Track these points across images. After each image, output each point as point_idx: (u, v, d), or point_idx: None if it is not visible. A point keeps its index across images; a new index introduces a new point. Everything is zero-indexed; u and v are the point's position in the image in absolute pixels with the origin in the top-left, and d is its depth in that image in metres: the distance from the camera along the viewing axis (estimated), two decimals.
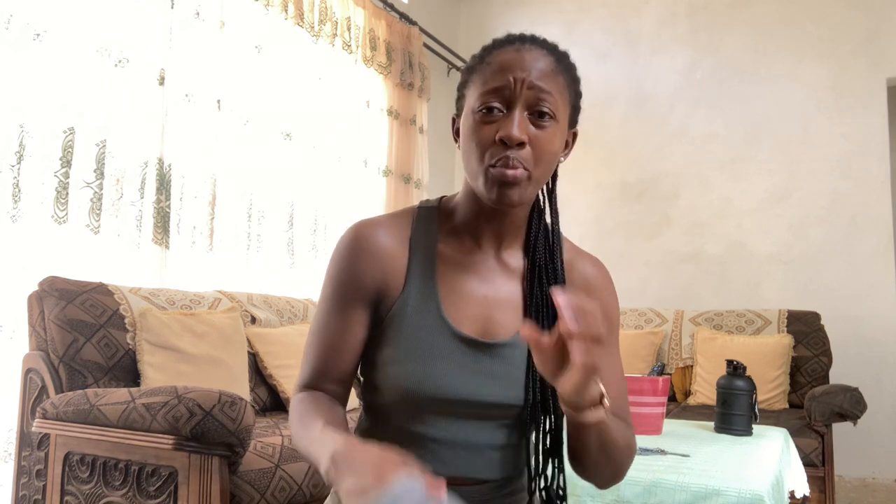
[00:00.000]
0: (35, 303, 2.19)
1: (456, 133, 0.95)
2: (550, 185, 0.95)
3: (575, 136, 0.95)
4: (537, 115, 0.85)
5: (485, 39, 0.94)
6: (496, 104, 0.85)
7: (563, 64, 0.89)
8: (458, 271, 0.93)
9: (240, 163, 3.05)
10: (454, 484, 0.87)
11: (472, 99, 0.88)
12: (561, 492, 0.95)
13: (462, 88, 0.93)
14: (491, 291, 0.94)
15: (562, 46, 0.91)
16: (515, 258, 0.96)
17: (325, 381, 0.94)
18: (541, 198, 0.97)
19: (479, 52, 0.92)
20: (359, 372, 0.98)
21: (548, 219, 0.98)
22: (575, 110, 0.92)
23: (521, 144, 0.84)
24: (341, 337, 0.92)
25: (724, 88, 4.28)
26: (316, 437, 0.79)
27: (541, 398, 0.91)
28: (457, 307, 0.91)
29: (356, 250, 0.92)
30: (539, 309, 0.94)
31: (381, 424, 0.95)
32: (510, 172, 0.84)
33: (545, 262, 0.95)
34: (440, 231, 0.95)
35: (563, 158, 0.93)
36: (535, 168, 0.85)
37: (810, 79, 4.07)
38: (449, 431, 0.91)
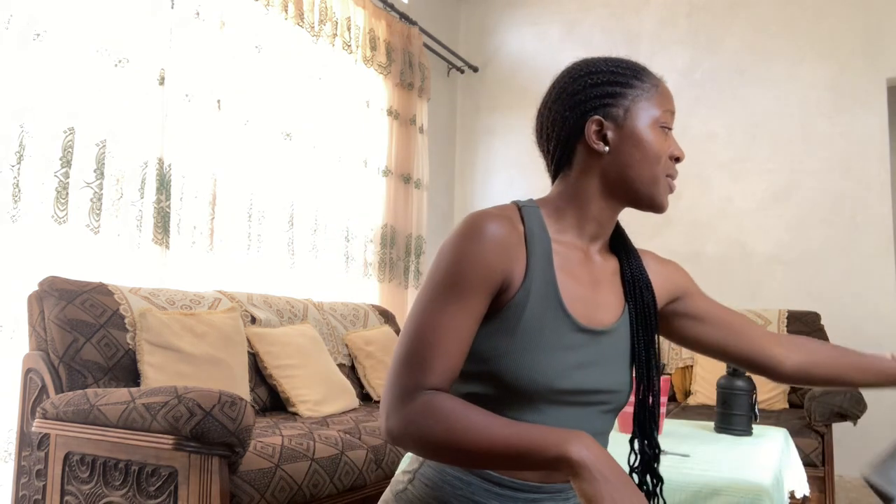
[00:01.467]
0: (35, 303, 2.19)
1: (602, 138, 0.99)
2: None
3: None
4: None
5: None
6: (670, 125, 0.99)
7: None
8: (569, 266, 0.98)
9: (240, 163, 3.05)
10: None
11: (650, 112, 0.98)
12: (656, 462, 1.04)
13: (618, 97, 0.98)
14: (595, 282, 1.01)
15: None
16: (603, 254, 1.05)
17: (442, 378, 0.88)
18: None
19: (629, 69, 1.01)
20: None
21: None
22: None
23: None
24: (468, 331, 0.89)
25: (724, 88, 4.27)
26: (535, 427, 0.82)
27: (646, 381, 1.02)
28: (573, 300, 0.96)
29: (483, 238, 0.91)
30: (635, 290, 1.05)
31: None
32: (674, 185, 1.00)
33: (628, 254, 1.07)
34: (547, 222, 1.00)
35: None
36: None
37: (810, 79, 4.07)
38: (555, 419, 0.93)
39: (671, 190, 0.99)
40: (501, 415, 0.90)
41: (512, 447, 0.80)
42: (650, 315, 1.04)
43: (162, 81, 2.67)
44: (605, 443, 1.02)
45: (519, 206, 0.99)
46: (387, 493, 1.01)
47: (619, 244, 1.07)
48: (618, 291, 1.04)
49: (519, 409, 0.92)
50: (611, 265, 1.05)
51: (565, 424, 0.93)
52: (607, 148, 0.98)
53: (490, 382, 0.92)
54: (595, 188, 1.00)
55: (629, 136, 0.97)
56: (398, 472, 1.05)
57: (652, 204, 1.00)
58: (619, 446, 1.16)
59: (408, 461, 1.03)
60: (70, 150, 2.34)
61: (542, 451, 0.79)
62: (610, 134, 0.98)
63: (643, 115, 0.97)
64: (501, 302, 0.92)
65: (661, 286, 1.10)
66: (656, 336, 1.06)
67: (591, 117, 0.98)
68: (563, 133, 1.00)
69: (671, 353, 3.78)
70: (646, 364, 1.02)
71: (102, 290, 2.31)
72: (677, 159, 0.99)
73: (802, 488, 2.13)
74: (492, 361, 0.91)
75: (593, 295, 1.00)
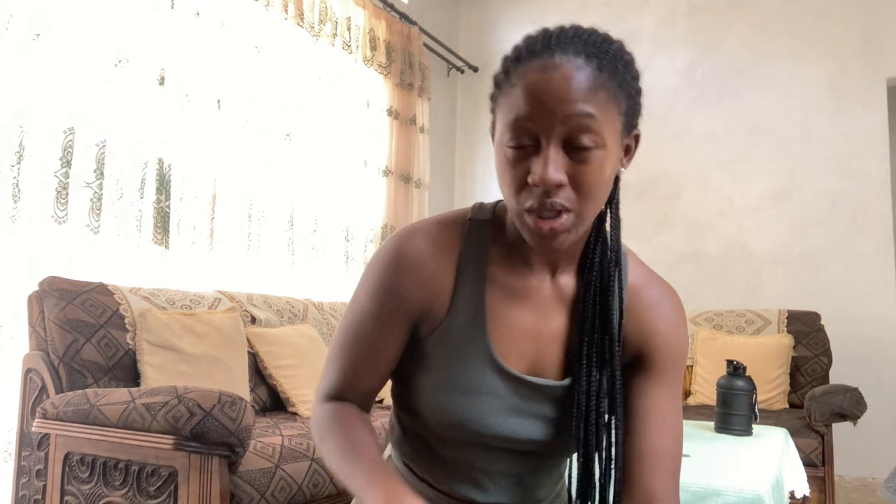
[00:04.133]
0: (35, 303, 2.19)
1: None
2: (612, 195, 0.82)
3: (637, 137, 0.81)
4: (577, 145, 0.72)
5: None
6: (525, 140, 0.73)
7: (605, 68, 0.73)
8: (509, 299, 0.83)
9: (240, 163, 3.05)
10: None
11: (500, 126, 0.76)
12: None
13: (492, 105, 0.80)
14: (542, 323, 0.84)
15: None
16: (569, 284, 0.85)
17: (351, 393, 0.88)
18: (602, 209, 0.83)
19: (506, 58, 0.78)
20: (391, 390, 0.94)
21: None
22: (631, 113, 0.77)
23: (559, 186, 0.72)
24: (376, 350, 0.84)
25: (724, 88, 4.27)
26: (359, 473, 0.76)
27: (594, 440, 0.82)
28: (505, 340, 0.83)
29: (400, 265, 0.82)
30: (590, 342, 0.82)
31: (416, 444, 0.91)
32: (546, 226, 0.73)
33: (601, 286, 0.82)
34: (492, 249, 0.85)
35: (623, 168, 0.80)
36: (582, 206, 0.74)
37: (810, 79, 4.07)
38: (489, 461, 0.87)
39: (540, 232, 0.73)
40: (439, 451, 0.88)
41: (347, 483, 0.79)
42: (609, 376, 0.82)
43: (162, 81, 2.67)
44: (554, 483, 0.95)
45: (468, 218, 0.87)
46: None
47: (600, 268, 0.84)
48: (576, 331, 0.85)
49: (456, 447, 0.87)
50: (577, 293, 0.85)
51: (501, 468, 0.88)
52: None
53: (425, 418, 0.85)
54: None
55: (494, 153, 0.79)
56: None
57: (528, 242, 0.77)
58: None
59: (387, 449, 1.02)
60: (70, 150, 2.34)
61: (360, 499, 0.74)
62: None
63: (499, 128, 0.77)
64: (424, 332, 0.84)
65: (636, 338, 0.86)
66: (615, 398, 0.83)
67: (491, 123, 0.83)
68: None
69: None
70: (595, 423, 0.82)
71: (102, 290, 2.31)
72: (541, 186, 0.71)
73: (802, 488, 2.13)
74: (422, 394, 0.84)
75: (538, 338, 0.84)
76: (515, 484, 0.90)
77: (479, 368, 0.82)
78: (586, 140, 0.71)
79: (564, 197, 0.73)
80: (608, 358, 0.82)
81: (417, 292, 0.83)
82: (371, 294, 0.84)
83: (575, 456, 0.84)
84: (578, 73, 0.71)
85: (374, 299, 0.84)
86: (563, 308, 0.85)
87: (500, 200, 0.89)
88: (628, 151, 0.81)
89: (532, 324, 0.84)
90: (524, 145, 0.73)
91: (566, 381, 0.85)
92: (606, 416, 0.83)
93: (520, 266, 0.84)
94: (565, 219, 0.73)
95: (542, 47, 0.74)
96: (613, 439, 0.83)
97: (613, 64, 0.73)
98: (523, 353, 0.84)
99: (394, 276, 0.83)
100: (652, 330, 0.86)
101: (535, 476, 0.91)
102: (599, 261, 0.83)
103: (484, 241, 0.85)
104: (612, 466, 0.83)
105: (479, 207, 0.89)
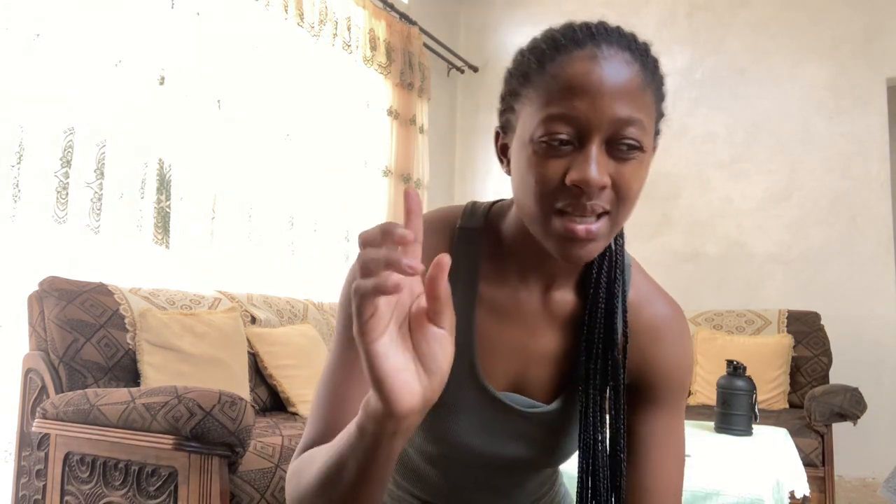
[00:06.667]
0: (35, 303, 2.19)
1: (502, 152, 0.75)
2: None
3: (656, 145, 0.76)
4: (620, 146, 0.66)
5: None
6: (564, 135, 0.65)
7: (649, 68, 0.68)
8: (498, 316, 0.77)
9: (240, 163, 3.05)
10: None
11: (528, 121, 0.67)
12: None
13: (510, 99, 0.72)
14: (531, 341, 0.78)
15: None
16: (566, 299, 0.79)
17: (333, 436, 0.72)
18: None
19: (534, 47, 0.70)
20: None
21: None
22: (659, 119, 0.72)
23: (602, 188, 0.66)
24: (353, 381, 0.72)
25: (724, 88, 4.27)
26: (340, 440, 0.60)
27: (600, 475, 0.77)
28: (491, 358, 0.77)
29: None
30: (589, 364, 0.76)
31: (400, 456, 0.88)
32: (582, 228, 0.66)
33: (607, 306, 0.76)
34: (482, 259, 0.77)
35: None
36: (619, 211, 0.68)
37: (810, 79, 4.07)
38: (471, 477, 0.85)
39: (573, 236, 0.66)
40: (421, 466, 0.86)
41: (343, 466, 0.60)
42: (611, 397, 0.77)
43: (162, 81, 2.67)
44: (539, 493, 0.93)
45: (458, 227, 0.78)
46: None
47: (605, 286, 0.77)
48: (569, 351, 0.79)
49: (439, 464, 0.85)
50: (574, 310, 0.79)
51: (484, 481, 0.86)
52: (504, 168, 0.75)
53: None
54: (519, 215, 0.75)
55: (514, 154, 0.71)
56: None
57: (550, 250, 0.69)
58: None
59: None
60: (70, 150, 2.34)
61: (356, 438, 0.57)
62: (509, 149, 0.73)
63: (524, 123, 0.69)
64: None
65: (635, 363, 0.80)
66: (620, 420, 0.77)
67: (497, 127, 0.76)
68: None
69: None
70: (591, 445, 0.77)
71: (102, 290, 2.31)
72: (582, 188, 0.65)
73: (802, 488, 2.13)
74: None
75: (525, 358, 0.79)
76: (500, 494, 0.89)
77: (461, 386, 0.77)
78: (632, 140, 0.66)
79: (605, 200, 0.66)
80: (612, 386, 0.76)
81: None
82: (342, 315, 0.75)
83: (577, 489, 0.79)
84: (629, 69, 0.66)
85: (346, 330, 0.73)
86: (554, 326, 0.79)
87: (495, 203, 0.81)
88: None
89: (520, 342, 0.78)
90: (560, 142, 0.65)
91: (554, 406, 0.80)
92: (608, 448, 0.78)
93: (512, 280, 0.78)
94: (602, 223, 0.67)
95: (587, 37, 0.67)
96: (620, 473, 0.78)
97: (654, 65, 0.70)
98: (507, 372, 0.79)
99: None
100: (654, 356, 0.80)
101: (521, 487, 0.90)
102: (606, 277, 0.76)
103: (475, 255, 0.77)
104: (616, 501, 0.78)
105: (471, 212, 0.80)
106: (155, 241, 2.63)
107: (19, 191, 2.21)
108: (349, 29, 3.76)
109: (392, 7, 4.11)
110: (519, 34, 4.88)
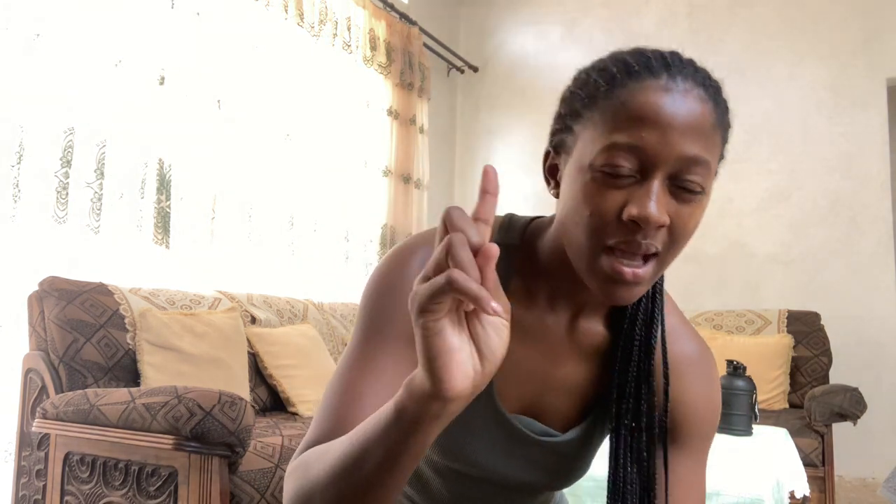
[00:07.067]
0: (35, 303, 2.19)
1: (550, 172, 0.72)
2: None
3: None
4: (683, 185, 0.63)
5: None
6: (626, 166, 0.62)
7: (721, 108, 0.66)
8: (521, 338, 0.73)
9: (240, 163, 3.05)
10: None
11: (589, 146, 0.64)
12: None
13: (569, 120, 0.68)
14: (552, 368, 0.76)
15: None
16: (593, 330, 0.76)
17: (344, 433, 0.67)
18: None
19: (603, 69, 0.66)
20: None
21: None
22: (720, 160, 0.69)
23: (660, 227, 0.63)
24: (370, 380, 0.68)
25: (724, 88, 4.27)
26: (369, 424, 0.56)
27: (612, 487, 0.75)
28: (509, 382, 0.75)
29: (393, 285, 0.70)
30: (622, 403, 0.73)
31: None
32: (629, 272, 0.63)
33: (646, 343, 0.73)
34: (514, 277, 0.74)
35: None
36: (669, 253, 0.65)
37: (810, 79, 4.07)
38: (476, 491, 0.84)
39: (621, 278, 0.63)
40: (432, 480, 0.84)
41: (369, 453, 0.55)
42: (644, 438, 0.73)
43: (162, 81, 2.67)
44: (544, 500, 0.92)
45: (494, 241, 0.71)
46: None
47: (643, 321, 0.74)
48: (590, 382, 0.77)
49: (450, 479, 0.83)
50: (601, 342, 0.77)
51: (497, 500, 0.85)
52: (557, 190, 0.71)
53: None
54: (559, 237, 0.71)
55: (566, 178, 0.68)
56: None
57: (591, 286, 0.66)
58: None
59: None
60: (70, 150, 2.34)
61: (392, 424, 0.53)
62: (560, 171, 0.70)
63: (583, 147, 0.65)
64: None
65: (661, 402, 0.75)
66: (654, 463, 0.74)
67: (549, 146, 0.73)
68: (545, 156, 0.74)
69: None
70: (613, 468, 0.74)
71: (102, 290, 2.31)
72: (639, 224, 0.61)
73: (802, 488, 2.13)
74: None
75: (544, 385, 0.77)
76: None
77: (475, 403, 0.71)
78: (696, 181, 0.63)
79: (659, 239, 0.63)
80: (646, 427, 0.73)
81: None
82: (363, 319, 0.72)
83: None
84: (702, 107, 0.63)
85: (367, 325, 0.71)
86: (577, 355, 0.76)
87: (533, 220, 0.77)
88: None
89: (541, 367, 0.76)
90: (621, 173, 0.62)
91: (569, 436, 0.78)
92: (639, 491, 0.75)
93: (541, 303, 0.75)
94: (649, 267, 0.64)
95: (662, 66, 0.64)
96: None
97: (725, 107, 0.68)
98: (523, 396, 0.77)
99: (385, 297, 0.70)
100: (678, 393, 0.76)
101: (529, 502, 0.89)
102: (644, 314, 0.73)
103: (507, 272, 0.73)
104: None
105: (509, 225, 0.77)
106: (155, 241, 2.63)
107: (19, 191, 2.21)
108: (349, 29, 3.76)
109: (392, 7, 4.11)
110: (518, 34, 4.88)
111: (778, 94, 4.14)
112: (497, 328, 0.50)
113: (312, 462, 0.62)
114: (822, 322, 3.64)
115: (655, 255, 0.64)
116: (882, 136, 3.89)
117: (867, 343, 3.78)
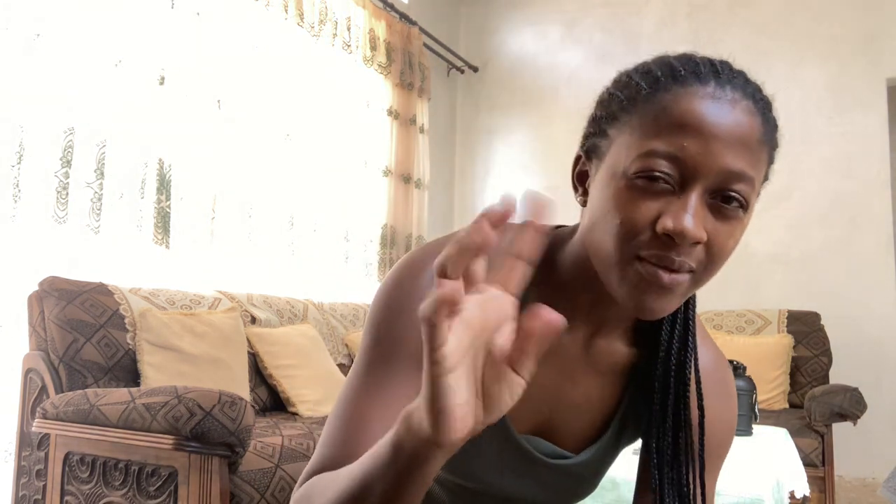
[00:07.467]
0: (35, 303, 2.19)
1: (578, 179, 0.68)
2: None
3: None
4: (723, 200, 0.60)
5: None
6: (665, 173, 0.58)
7: (770, 125, 0.63)
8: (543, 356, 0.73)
9: (240, 163, 3.05)
10: None
11: (624, 152, 0.60)
12: None
13: (604, 123, 0.64)
14: (566, 387, 0.73)
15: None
16: (611, 349, 0.73)
17: (348, 461, 0.61)
18: None
19: (646, 72, 0.62)
20: None
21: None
22: (765, 179, 0.66)
23: (696, 243, 0.58)
24: (377, 405, 0.64)
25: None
26: (366, 459, 0.53)
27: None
28: (519, 403, 0.63)
29: (401, 303, 0.66)
30: (661, 428, 0.69)
31: None
32: (667, 277, 0.58)
33: (678, 368, 0.69)
34: (530, 289, 0.65)
35: None
36: (705, 271, 0.61)
37: (810, 79, 4.07)
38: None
39: (657, 282, 0.59)
40: (434, 494, 0.81)
41: (371, 487, 0.52)
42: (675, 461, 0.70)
43: (162, 81, 2.67)
44: None
45: None
46: None
47: (680, 341, 0.70)
48: (605, 402, 0.74)
49: (459, 497, 0.80)
50: (619, 361, 0.74)
51: None
52: (585, 197, 0.67)
53: None
54: (582, 248, 0.67)
55: (597, 184, 0.64)
56: None
57: (618, 299, 0.62)
58: None
59: None
60: (70, 150, 2.34)
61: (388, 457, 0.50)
62: (590, 177, 0.66)
63: (618, 152, 0.61)
64: None
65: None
66: (694, 489, 0.70)
67: (581, 150, 0.69)
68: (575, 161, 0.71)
69: None
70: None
71: (102, 290, 2.31)
72: (674, 238, 0.57)
73: (802, 488, 2.13)
74: None
75: (555, 400, 0.73)
76: None
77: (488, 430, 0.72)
78: (737, 198, 0.59)
79: (693, 256, 0.59)
80: (686, 459, 0.69)
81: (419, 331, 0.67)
82: (369, 334, 0.68)
83: None
84: (751, 120, 0.60)
85: (373, 340, 0.67)
86: (593, 375, 0.73)
87: (555, 229, 0.73)
88: None
89: (554, 385, 0.72)
90: (659, 178, 0.58)
91: (581, 458, 0.75)
92: None
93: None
94: (683, 278, 0.59)
95: (710, 73, 0.61)
96: None
97: (774, 124, 0.64)
98: (535, 416, 0.73)
99: (396, 317, 0.66)
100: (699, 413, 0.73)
101: None
102: (678, 334, 0.69)
103: (528, 284, 0.73)
104: None
105: None
106: (155, 241, 2.63)
107: (19, 191, 2.21)
108: (349, 29, 3.76)
109: (392, 7, 4.11)
110: (518, 34, 4.88)
111: (778, 94, 4.11)
112: (512, 388, 0.46)
113: (315, 495, 0.59)
114: (822, 322, 3.64)
115: (691, 272, 0.60)
116: (882, 136, 3.89)
117: (867, 343, 3.78)
